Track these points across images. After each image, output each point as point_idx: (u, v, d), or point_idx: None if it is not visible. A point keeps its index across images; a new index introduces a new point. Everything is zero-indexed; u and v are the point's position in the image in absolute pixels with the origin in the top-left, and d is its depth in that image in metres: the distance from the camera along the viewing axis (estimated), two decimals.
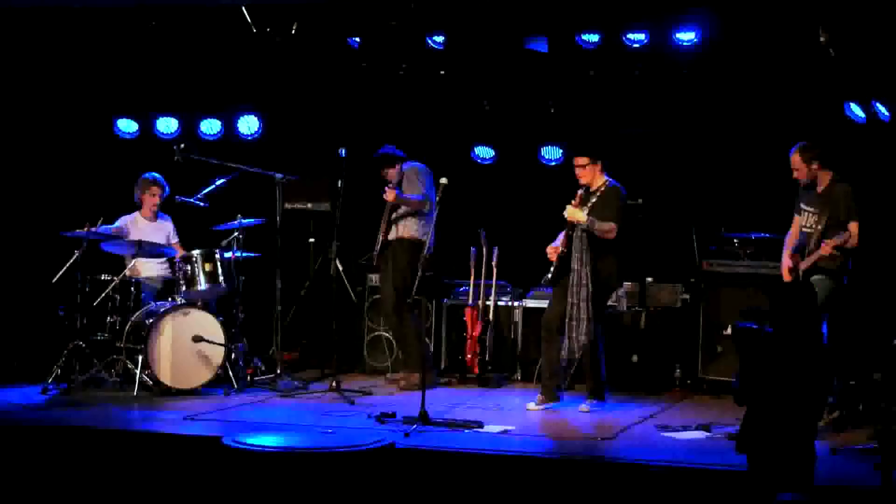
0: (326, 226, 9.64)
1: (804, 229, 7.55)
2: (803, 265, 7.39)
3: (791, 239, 7.69)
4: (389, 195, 8.66)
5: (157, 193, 9.08)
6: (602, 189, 7.92)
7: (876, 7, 7.81)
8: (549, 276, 7.99)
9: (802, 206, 7.59)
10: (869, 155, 8.66)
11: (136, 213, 9.17)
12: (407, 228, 8.76)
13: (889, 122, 8.51)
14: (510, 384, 9.18)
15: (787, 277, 7.52)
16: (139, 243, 8.61)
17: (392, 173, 8.84)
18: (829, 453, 6.46)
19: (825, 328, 7.17)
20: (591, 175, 7.95)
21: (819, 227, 7.34)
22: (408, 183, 8.77)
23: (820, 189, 7.49)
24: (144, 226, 9.09)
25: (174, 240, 9.18)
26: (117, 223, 9.04)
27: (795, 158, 7.49)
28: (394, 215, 8.80)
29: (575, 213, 7.77)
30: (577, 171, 7.97)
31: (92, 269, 8.66)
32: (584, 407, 7.88)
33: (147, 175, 9.14)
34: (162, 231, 9.15)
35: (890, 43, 7.91)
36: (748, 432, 5.37)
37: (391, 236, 8.82)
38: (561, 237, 7.97)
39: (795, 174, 7.52)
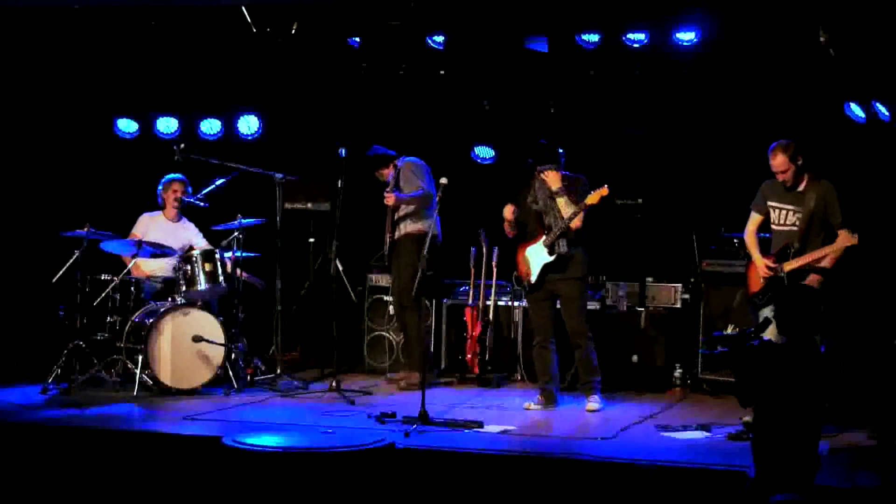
0: (326, 226, 9.65)
1: (779, 227, 7.34)
2: (790, 266, 7.24)
3: (753, 237, 7.47)
4: (389, 200, 8.63)
5: (178, 189, 9.10)
6: (566, 183, 7.89)
7: (876, 7, 7.81)
8: (533, 280, 7.95)
9: (773, 203, 7.37)
10: (869, 155, 8.65)
11: (160, 212, 9.19)
12: (411, 225, 8.76)
13: (889, 122, 8.51)
14: (510, 384, 9.19)
15: (764, 273, 7.30)
16: (139, 243, 8.61)
17: (386, 173, 8.84)
18: (828, 453, 6.46)
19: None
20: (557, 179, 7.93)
21: (801, 225, 7.20)
22: (405, 181, 8.76)
23: (801, 187, 7.26)
24: (165, 225, 9.12)
25: (201, 244, 9.13)
26: (138, 224, 9.13)
27: (781, 159, 7.19)
28: (396, 215, 8.80)
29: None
30: (549, 175, 7.91)
31: (92, 269, 8.66)
32: (592, 405, 7.89)
33: (168, 176, 9.17)
34: (180, 234, 9.15)
35: (890, 43, 7.91)
36: (759, 438, 5.36)
37: (396, 235, 8.82)
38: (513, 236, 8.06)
39: (781, 176, 7.23)
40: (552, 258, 7.83)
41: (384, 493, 6.23)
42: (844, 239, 7.01)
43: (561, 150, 7.99)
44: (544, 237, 7.86)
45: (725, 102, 9.21)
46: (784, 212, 7.33)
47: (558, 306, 8.02)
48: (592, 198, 7.65)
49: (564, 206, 7.80)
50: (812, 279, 7.12)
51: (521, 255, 8.03)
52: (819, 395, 5.34)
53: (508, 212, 7.97)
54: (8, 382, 8.63)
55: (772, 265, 7.29)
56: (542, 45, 9.05)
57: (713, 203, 9.32)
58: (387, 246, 8.89)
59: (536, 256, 7.91)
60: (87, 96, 10.00)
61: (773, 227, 7.39)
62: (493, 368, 9.21)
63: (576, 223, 7.76)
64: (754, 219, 7.52)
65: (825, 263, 7.11)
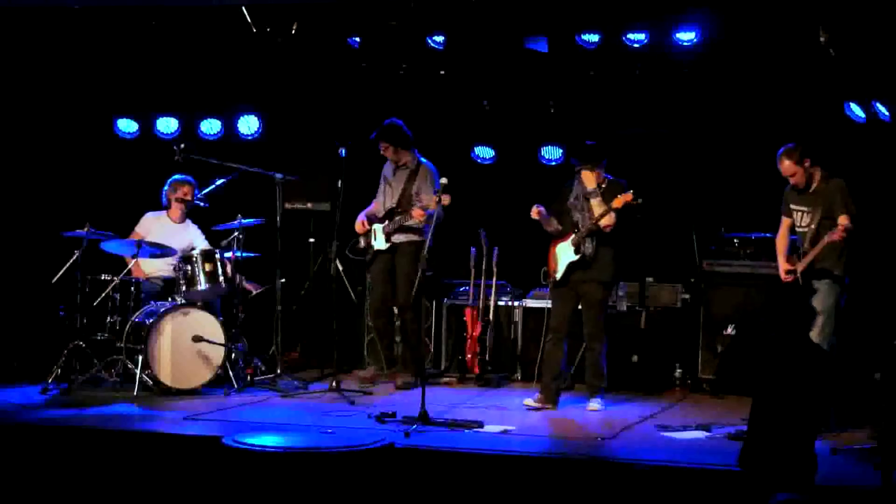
0: (326, 226, 9.64)
1: (799, 229, 7.48)
2: (801, 266, 7.34)
3: (781, 241, 7.62)
4: (419, 216, 8.52)
5: (187, 192, 9.08)
6: (603, 185, 7.92)
7: (876, 7, 7.81)
8: (558, 277, 7.98)
9: (793, 206, 7.50)
10: (869, 155, 8.66)
11: (164, 213, 9.18)
12: (413, 234, 8.74)
13: (889, 122, 8.51)
14: (510, 384, 9.18)
15: (786, 279, 7.48)
16: (139, 243, 8.60)
17: (391, 152, 8.73)
18: (829, 453, 6.46)
19: (833, 338, 7.20)
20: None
21: (813, 225, 7.30)
22: (425, 188, 8.68)
23: (812, 187, 7.39)
24: (169, 226, 9.11)
25: (203, 246, 9.11)
26: (141, 224, 9.11)
27: (787, 164, 7.33)
28: (401, 220, 8.73)
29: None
30: (585, 174, 7.92)
31: (92, 269, 8.66)
32: (594, 405, 7.91)
33: (176, 177, 9.14)
34: (184, 235, 9.13)
35: (890, 43, 7.90)
36: (750, 446, 5.36)
37: (398, 239, 8.77)
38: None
39: (792, 180, 7.37)
40: (577, 257, 7.85)
41: (384, 493, 6.23)
42: (831, 233, 7.10)
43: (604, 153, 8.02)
44: (573, 235, 7.88)
45: (725, 102, 9.21)
46: (800, 214, 7.47)
47: (580, 307, 8.04)
48: (617, 201, 7.67)
49: (597, 206, 7.81)
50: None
51: (552, 252, 8.05)
52: (816, 393, 5.34)
53: (534, 213, 7.98)
54: (8, 382, 8.63)
55: (791, 269, 7.42)
56: (542, 45, 9.05)
57: (713, 203, 9.33)
58: (374, 238, 8.80)
59: (564, 254, 7.94)
60: (87, 96, 9.99)
61: (796, 229, 7.53)
62: (493, 368, 9.21)
63: (606, 223, 7.76)
64: (783, 223, 7.65)
65: (814, 255, 7.21)
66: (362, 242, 8.92)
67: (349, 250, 9.10)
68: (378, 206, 8.92)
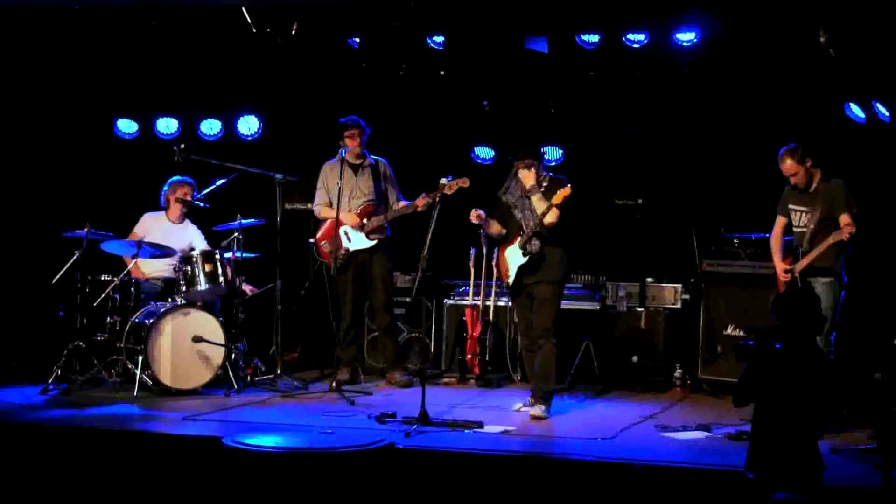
0: None
1: (796, 229, 7.53)
2: (800, 266, 7.37)
3: (776, 241, 7.66)
4: (423, 204, 8.54)
5: (188, 192, 9.08)
6: (544, 182, 7.73)
7: (876, 7, 7.82)
8: (510, 282, 7.82)
9: (791, 206, 7.55)
10: (869, 155, 8.66)
11: (163, 213, 9.18)
12: (384, 231, 8.82)
13: (889, 122, 8.52)
14: (510, 384, 9.19)
15: (784, 278, 7.50)
16: (139, 243, 8.60)
17: (358, 143, 8.72)
18: (829, 453, 6.46)
19: (833, 336, 7.23)
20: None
21: (812, 225, 7.34)
22: (392, 182, 8.88)
23: (812, 187, 7.45)
24: (168, 226, 9.11)
25: (202, 246, 9.10)
26: (140, 224, 9.11)
27: (789, 163, 7.39)
28: (380, 220, 8.78)
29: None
30: (523, 172, 7.73)
31: (92, 269, 8.66)
32: (536, 412, 7.63)
33: (176, 178, 9.14)
34: (183, 235, 9.13)
35: (890, 43, 7.91)
36: (755, 449, 5.35)
37: (377, 237, 8.79)
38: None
39: (793, 179, 7.43)
40: (525, 259, 7.65)
41: (384, 493, 6.23)
42: (838, 233, 7.15)
43: (543, 149, 7.96)
44: (519, 238, 7.72)
45: (725, 103, 9.22)
46: (799, 213, 7.52)
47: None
48: (557, 197, 7.46)
49: (539, 204, 7.59)
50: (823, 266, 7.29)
51: (501, 257, 7.92)
52: (821, 396, 5.33)
53: (474, 216, 7.85)
54: (8, 382, 8.63)
55: (788, 268, 7.45)
56: (542, 45, 9.05)
57: (713, 203, 9.33)
58: (346, 240, 8.75)
59: (513, 258, 7.77)
60: (87, 96, 10.00)
61: (793, 229, 7.58)
62: (493, 368, 9.21)
63: (549, 221, 7.54)
64: (777, 222, 7.69)
65: (816, 254, 7.27)
66: (327, 246, 8.90)
67: (319, 253, 9.11)
68: (333, 207, 8.64)
